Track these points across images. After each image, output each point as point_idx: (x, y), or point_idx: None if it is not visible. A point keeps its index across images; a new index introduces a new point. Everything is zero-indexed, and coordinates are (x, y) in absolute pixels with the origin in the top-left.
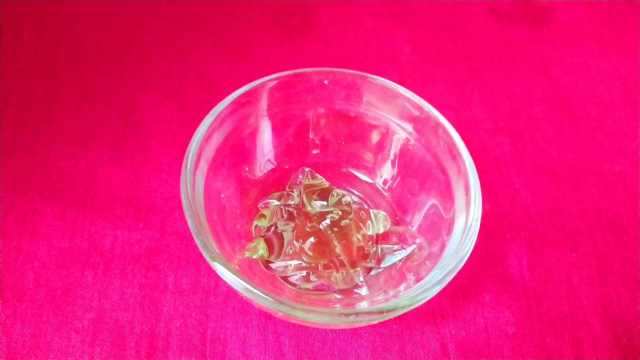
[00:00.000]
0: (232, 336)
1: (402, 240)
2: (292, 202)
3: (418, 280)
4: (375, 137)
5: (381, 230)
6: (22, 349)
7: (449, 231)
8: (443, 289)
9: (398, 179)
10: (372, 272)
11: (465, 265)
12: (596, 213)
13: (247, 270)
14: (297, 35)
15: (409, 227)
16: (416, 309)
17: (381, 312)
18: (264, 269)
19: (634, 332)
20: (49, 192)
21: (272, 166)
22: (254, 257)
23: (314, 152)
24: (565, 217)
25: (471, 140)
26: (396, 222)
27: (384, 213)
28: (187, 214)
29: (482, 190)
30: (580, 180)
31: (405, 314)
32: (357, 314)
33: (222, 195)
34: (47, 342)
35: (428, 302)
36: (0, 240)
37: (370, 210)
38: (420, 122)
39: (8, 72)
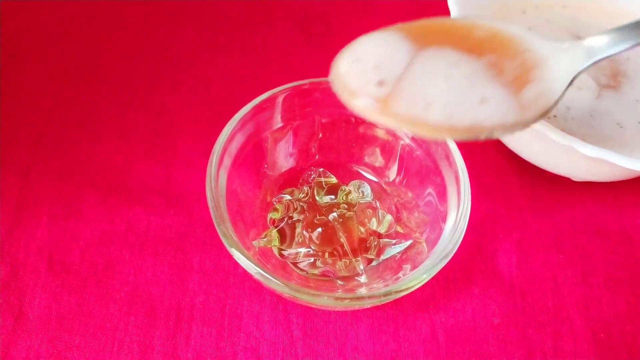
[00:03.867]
0: (248, 312)
1: (402, 237)
2: (302, 196)
3: (413, 269)
4: (382, 141)
5: (384, 231)
6: (69, 314)
7: (444, 220)
8: (436, 281)
9: (401, 179)
10: (373, 263)
11: (457, 261)
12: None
13: (263, 256)
14: (317, 43)
15: (409, 225)
16: (410, 297)
17: (378, 296)
18: (278, 256)
19: (612, 329)
20: (92, 181)
21: (288, 165)
22: (269, 245)
23: (327, 153)
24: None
25: (475, 146)
26: (398, 219)
27: (391, 218)
28: (211, 205)
29: (480, 193)
30: (573, 188)
31: (400, 301)
32: (355, 298)
33: (242, 190)
34: (89, 310)
35: (421, 292)
36: (49, 222)
37: (379, 210)
38: None
39: (56, 75)
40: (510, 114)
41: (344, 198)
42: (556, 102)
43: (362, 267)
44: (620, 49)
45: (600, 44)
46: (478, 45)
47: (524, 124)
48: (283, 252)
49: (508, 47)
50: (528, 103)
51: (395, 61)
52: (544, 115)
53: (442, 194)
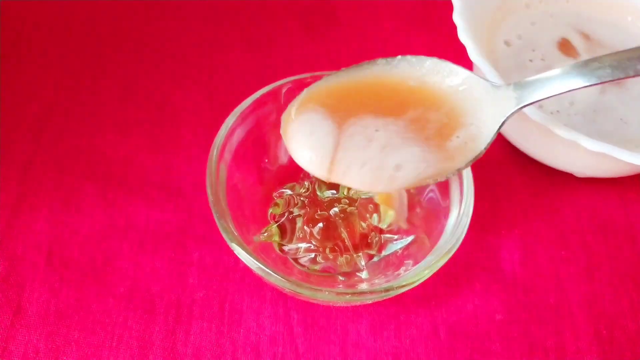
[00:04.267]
0: (248, 308)
1: (404, 232)
2: (303, 191)
3: (414, 265)
4: None
5: (385, 226)
6: (67, 310)
7: (446, 216)
8: (438, 277)
9: None
10: (375, 259)
11: (459, 257)
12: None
13: (264, 252)
14: (320, 35)
15: (411, 220)
16: (412, 293)
17: (379, 292)
18: (279, 251)
19: (614, 326)
20: (92, 174)
21: (289, 159)
22: (269, 240)
23: None
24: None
25: None
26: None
27: (393, 213)
28: (211, 200)
29: (483, 189)
30: (576, 184)
31: (402, 297)
32: (356, 293)
33: (243, 184)
34: (88, 305)
35: (423, 287)
36: (49, 216)
37: (380, 205)
38: None
39: (57, 67)
40: (432, 166)
41: (346, 193)
42: (487, 146)
43: (363, 263)
44: (550, 93)
45: (531, 88)
46: (403, 101)
47: (454, 171)
48: (283, 247)
49: (436, 96)
50: (457, 149)
51: (326, 149)
52: (476, 158)
53: (444, 190)
